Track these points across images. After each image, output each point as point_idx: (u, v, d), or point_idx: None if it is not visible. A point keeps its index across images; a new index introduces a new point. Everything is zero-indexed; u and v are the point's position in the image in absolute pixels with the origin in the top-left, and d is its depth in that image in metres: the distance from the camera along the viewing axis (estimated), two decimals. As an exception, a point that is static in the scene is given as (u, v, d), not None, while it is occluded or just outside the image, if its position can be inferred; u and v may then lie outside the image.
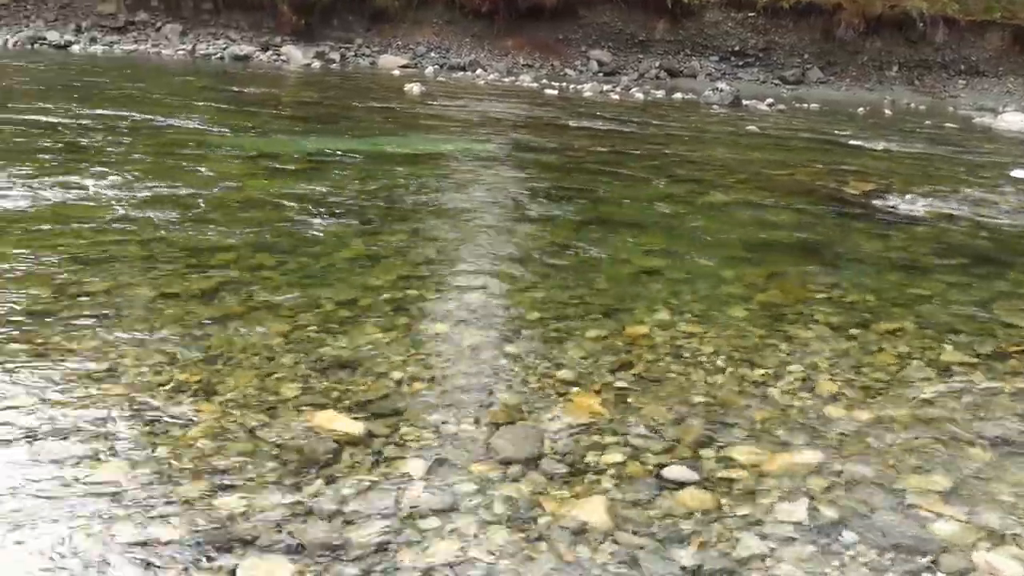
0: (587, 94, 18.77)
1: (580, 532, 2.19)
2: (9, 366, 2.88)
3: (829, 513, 2.35)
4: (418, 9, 24.49)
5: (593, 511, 2.28)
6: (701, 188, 7.54)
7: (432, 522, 2.18)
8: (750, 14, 25.03)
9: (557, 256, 4.82)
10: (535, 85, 19.89)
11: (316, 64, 20.89)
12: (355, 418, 2.70)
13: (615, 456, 2.59)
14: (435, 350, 3.34)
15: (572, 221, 5.79)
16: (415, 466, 2.45)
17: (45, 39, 20.83)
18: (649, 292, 4.25)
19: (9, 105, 9.68)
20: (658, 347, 3.50)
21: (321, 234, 4.94)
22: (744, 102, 18.27)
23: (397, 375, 3.05)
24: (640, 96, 18.88)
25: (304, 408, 2.75)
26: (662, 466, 2.54)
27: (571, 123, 12.49)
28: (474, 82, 19.96)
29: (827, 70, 24.99)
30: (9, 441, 2.41)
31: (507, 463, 2.50)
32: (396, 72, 20.44)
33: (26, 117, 8.79)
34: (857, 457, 2.67)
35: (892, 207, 7.09)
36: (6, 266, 3.90)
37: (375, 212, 5.60)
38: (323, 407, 2.76)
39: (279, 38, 22.84)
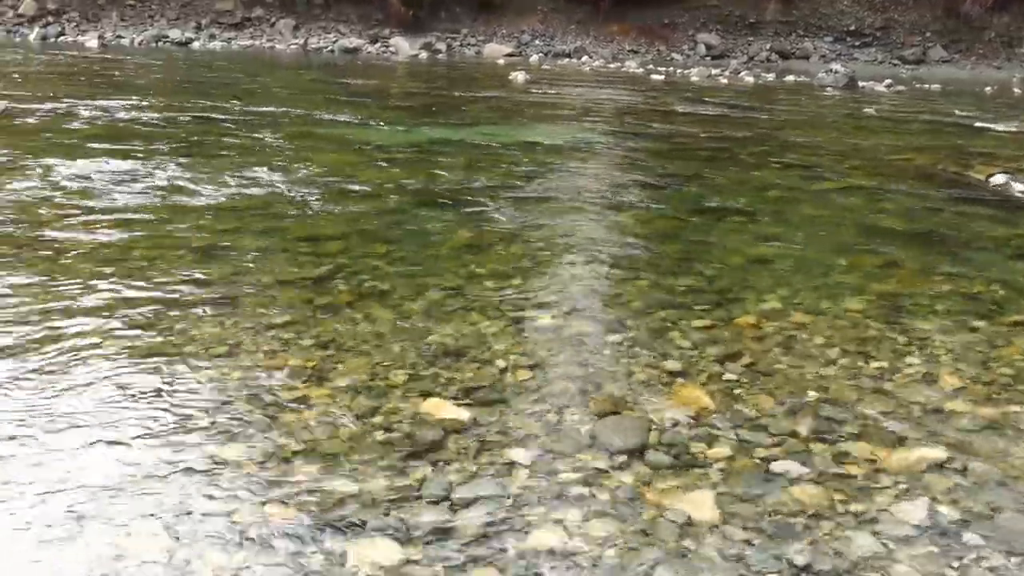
0: (694, 79, 18.44)
1: (686, 525, 2.16)
2: (136, 350, 3.03)
3: (950, 513, 2.25)
4: (523, -2, 24.53)
5: (700, 504, 2.24)
6: (814, 174, 7.31)
7: (536, 510, 2.19)
8: (867, -8, 24.10)
9: (663, 244, 4.76)
10: (640, 71, 19.66)
11: (423, 55, 21.17)
12: (461, 405, 2.73)
13: (723, 449, 2.54)
14: (540, 339, 3.34)
15: (679, 208, 5.70)
16: (519, 454, 2.46)
17: (168, 37, 21.78)
18: (759, 281, 4.15)
19: (131, 100, 10.17)
20: (768, 338, 3.42)
21: (428, 223, 5.01)
22: (860, 84, 17.61)
23: (502, 363, 3.07)
24: (750, 80, 18.42)
25: (412, 395, 2.80)
26: (772, 460, 2.48)
27: (678, 109, 12.30)
28: (579, 69, 19.86)
29: (950, 48, 23.82)
30: (129, 423, 2.54)
31: (611, 453, 2.49)
32: (501, 61, 20.53)
33: (146, 112, 9.22)
34: (981, 456, 2.55)
35: (1022, 192, 6.71)
36: (132, 255, 4.10)
37: (481, 201, 5.64)
38: (430, 394, 2.81)
39: (387, 30, 23.27)
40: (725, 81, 17.89)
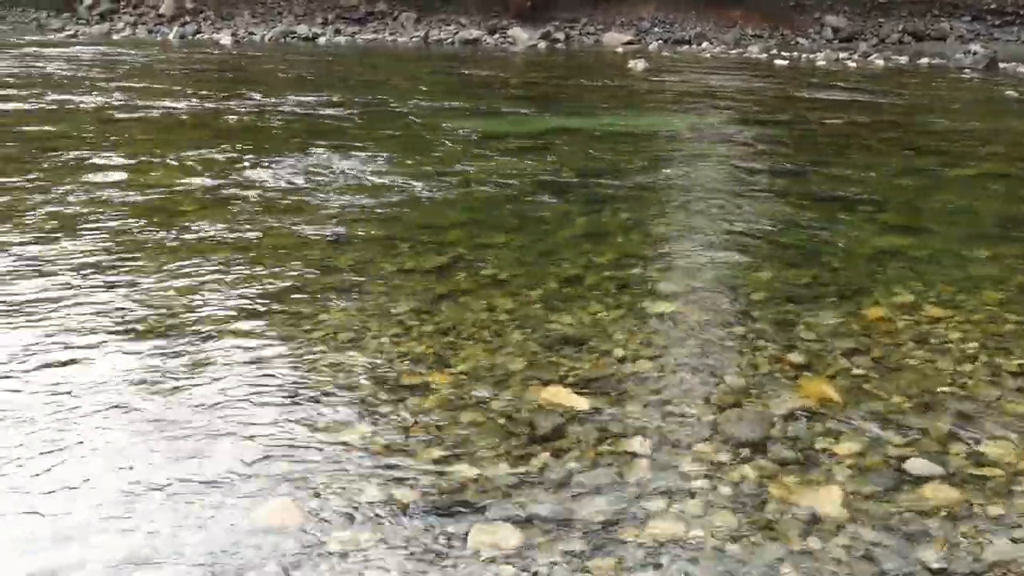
0: (820, 63, 17.82)
1: (812, 522, 2.11)
2: (266, 335, 3.17)
3: (1101, 521, 2.11)
4: (643, -16, 24.24)
5: (826, 501, 2.18)
6: (949, 160, 6.96)
7: (656, 500, 2.18)
8: (1011, -33, 22.74)
9: (787, 234, 4.63)
10: (763, 56, 19.14)
11: (541, 44, 21.20)
12: (580, 394, 2.74)
13: (851, 445, 2.46)
14: (659, 329, 3.31)
15: (804, 197, 5.53)
16: (639, 444, 2.45)
17: (295, 33, 22.54)
18: (889, 273, 3.99)
19: (261, 95, 10.57)
20: (899, 332, 3.28)
21: (546, 212, 5.03)
22: (1001, 65, 16.62)
23: (621, 353, 3.06)
24: (880, 63, 17.67)
25: (531, 382, 2.83)
26: (904, 459, 2.39)
27: (802, 94, 11.92)
28: (699, 56, 19.49)
29: (1104, 25, 22.21)
30: (264, 404, 2.65)
31: (734, 446, 2.45)
32: (620, 49, 20.35)
33: (277, 104, 9.57)
34: None
35: None
36: (268, 243, 4.28)
37: (599, 190, 5.62)
38: (549, 382, 2.82)
39: (506, 21, 23.40)
40: (854, 65, 17.21)
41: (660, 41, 22.22)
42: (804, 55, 19.25)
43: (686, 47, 21.55)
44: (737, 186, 5.94)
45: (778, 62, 17.71)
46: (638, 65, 15.52)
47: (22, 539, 1.98)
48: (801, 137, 8.27)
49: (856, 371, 2.94)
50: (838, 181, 6.08)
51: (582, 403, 2.68)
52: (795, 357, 3.04)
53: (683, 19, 24.41)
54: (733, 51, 20.41)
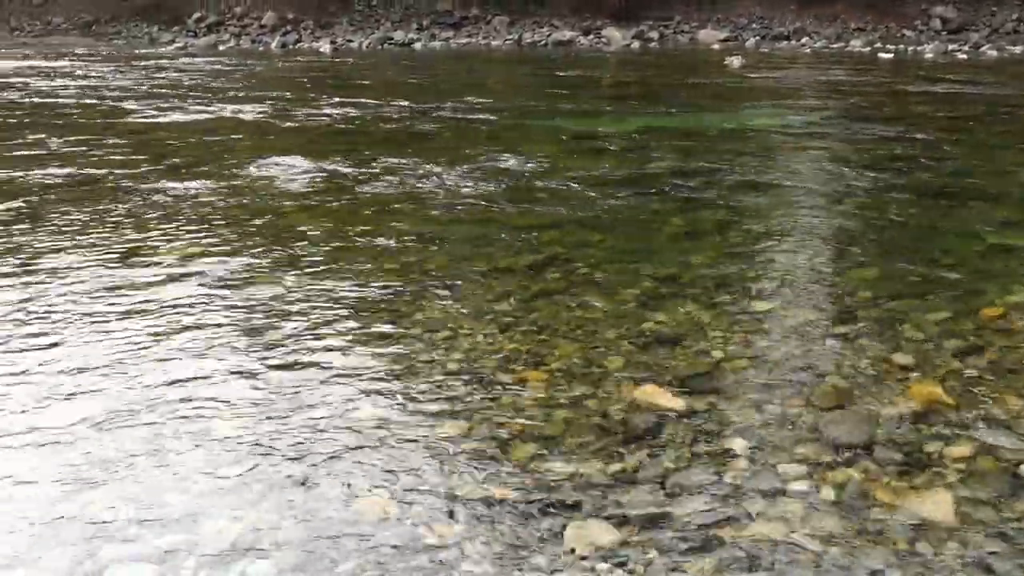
0: (928, 56, 17.15)
1: (920, 527, 2.02)
2: (365, 332, 3.23)
3: None
4: (739, -20, 23.81)
5: (936, 506, 2.09)
6: (1070, 154, 6.60)
7: (756, 501, 2.13)
8: None
9: (893, 230, 4.47)
10: (867, 50, 18.53)
11: (635, 44, 21.04)
12: (676, 393, 2.70)
13: (962, 449, 2.35)
14: (758, 328, 3.24)
15: (912, 192, 5.33)
16: (738, 444, 2.40)
17: (392, 39, 22.96)
18: (1006, 270, 3.80)
19: (360, 100, 10.79)
20: (1017, 332, 3.12)
21: (642, 210, 4.98)
22: None
23: (718, 353, 3.01)
24: (993, 54, 16.90)
25: (626, 381, 2.80)
26: (1019, 463, 2.27)
27: (908, 88, 11.50)
28: (798, 51, 19.01)
29: None
30: (363, 398, 2.70)
31: (837, 448, 2.37)
32: (716, 46, 20.03)
33: (375, 109, 9.76)
34: None
35: None
36: (358, 242, 4.37)
37: (696, 188, 5.54)
38: (644, 381, 2.79)
39: (599, 21, 23.30)
40: (964, 57, 16.50)
41: (757, 38, 21.75)
42: (910, 48, 18.57)
43: (784, 43, 21.04)
44: (839, 182, 5.76)
45: (882, 56, 17.13)
46: (734, 62, 15.24)
47: (145, 521, 2.07)
48: (907, 132, 7.97)
49: (969, 372, 2.81)
50: (948, 176, 5.84)
51: (678, 402, 2.64)
52: (902, 358, 2.93)
53: (781, 14, 23.85)
54: (834, 46, 19.83)
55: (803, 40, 21.18)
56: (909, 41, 20.05)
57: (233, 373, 2.88)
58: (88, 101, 10.70)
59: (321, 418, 2.57)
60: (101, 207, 5.12)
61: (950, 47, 18.26)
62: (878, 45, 19.27)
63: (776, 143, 7.51)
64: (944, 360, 2.90)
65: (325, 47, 21.85)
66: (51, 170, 6.28)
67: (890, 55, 17.13)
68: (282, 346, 3.09)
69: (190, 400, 2.68)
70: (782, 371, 2.87)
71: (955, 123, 8.39)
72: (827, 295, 3.59)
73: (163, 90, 12.10)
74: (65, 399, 2.70)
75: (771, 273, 3.88)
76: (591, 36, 22.26)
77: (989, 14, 22.43)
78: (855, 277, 3.77)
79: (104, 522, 2.07)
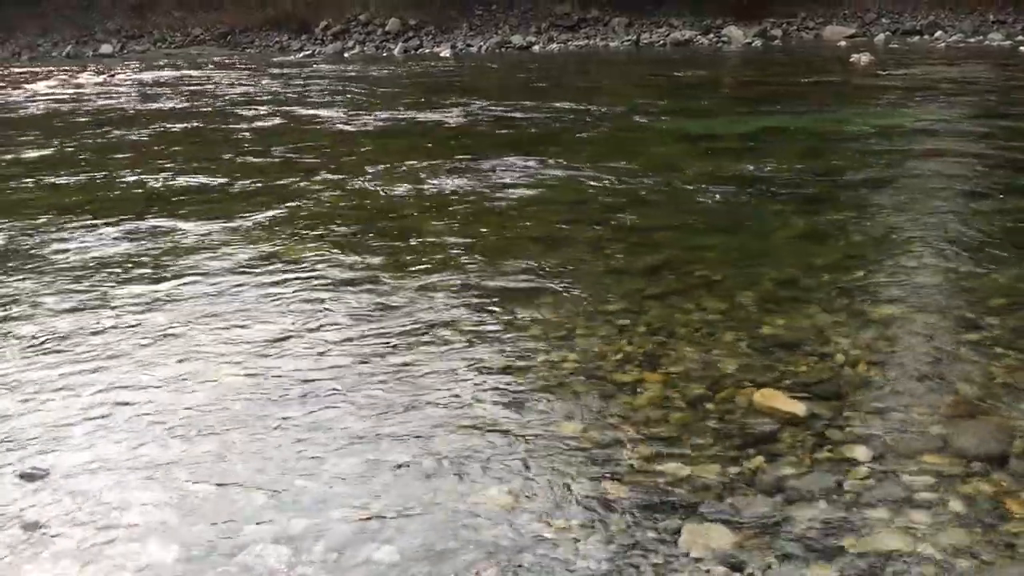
0: (1076, 48, 16.12)
1: (1057, 543, 1.94)
2: (482, 332, 3.31)
3: None
4: (868, -27, 22.96)
5: (1075, 522, 2.00)
6: None
7: (879, 510, 2.09)
8: None
9: (1032, 235, 4.25)
10: (1007, 44, 17.57)
11: (757, 42, 20.58)
12: (796, 398, 2.66)
13: (1106, 464, 2.24)
14: (883, 333, 3.15)
15: (1053, 195, 5.05)
16: (860, 452, 2.35)
17: (511, 43, 23.17)
18: None
19: (481, 102, 10.95)
20: None
21: (761, 212, 4.90)
22: None
23: (840, 357, 2.94)
24: None
25: (744, 384, 2.78)
26: None
27: (1053, 83, 10.85)
28: (932, 47, 18.19)
29: None
30: (481, 397, 2.77)
31: (966, 458, 2.29)
32: (842, 43, 19.37)
33: (497, 111, 9.90)
34: None
35: None
36: (478, 243, 4.46)
37: (817, 189, 5.40)
38: (763, 385, 2.76)
39: (720, 20, 22.89)
40: (1116, 48, 15.44)
41: (887, 32, 20.90)
42: (1056, 40, 17.49)
43: (916, 38, 20.17)
44: (972, 184, 5.51)
45: (1024, 49, 16.21)
46: (862, 59, 14.72)
47: (274, 506, 2.20)
48: (1050, 130, 7.53)
49: (1113, 384, 2.67)
50: (1095, 177, 5.50)
51: (799, 407, 2.60)
52: (1040, 367, 2.80)
53: (913, 7, 22.87)
54: (971, 39, 18.88)
55: (937, 34, 20.24)
56: (1055, 33, 18.88)
57: (357, 367, 3.00)
58: (221, 108, 11.26)
59: (442, 414, 2.66)
60: (230, 205, 5.40)
61: (1101, 38, 17.12)
62: (1020, 38, 18.22)
63: (905, 143, 7.23)
64: (1086, 370, 2.76)
65: (446, 51, 22.27)
66: (172, 177, 6.65)
67: (1033, 48, 16.19)
68: (404, 342, 3.20)
69: (317, 395, 2.81)
70: (908, 378, 2.79)
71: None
72: (958, 300, 3.46)
73: (291, 95, 12.60)
74: (207, 383, 2.88)
75: (897, 276, 3.76)
76: (711, 35, 21.90)
77: None
78: (988, 282, 3.61)
79: (242, 504, 2.20)
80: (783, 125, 8.26)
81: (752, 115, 9.23)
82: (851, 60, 14.82)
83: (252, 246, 4.54)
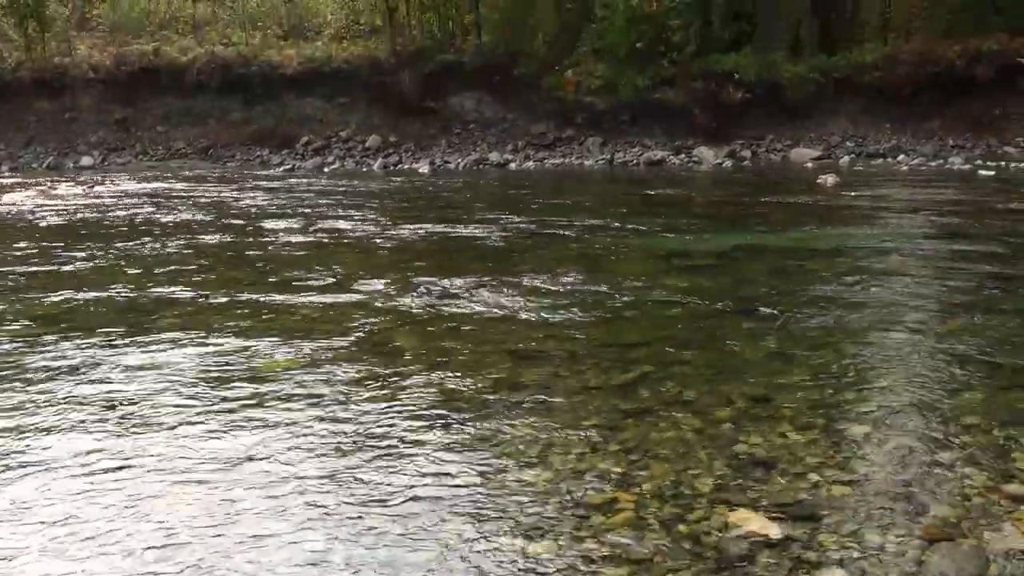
0: (1032, 172, 16.74)
1: (1039, 674, 1.90)
2: (453, 447, 3.27)
3: None
4: (832, 99, 23.90)
5: (1055, 651, 1.96)
6: None
7: (857, 639, 2.04)
8: None
9: (1000, 354, 4.31)
10: (967, 167, 18.22)
11: (727, 163, 21.21)
12: (771, 519, 2.63)
13: (1083, 589, 2.21)
14: (856, 453, 3.15)
15: (1016, 314, 5.15)
16: (837, 575, 2.31)
17: (488, 160, 23.72)
18: (1123, 397, 3.61)
19: (456, 218, 11.12)
20: None
21: (734, 330, 4.95)
22: None
23: (815, 477, 2.93)
24: (1102, 170, 16.39)
25: (719, 505, 2.75)
26: None
27: (1012, 206, 11.21)
28: (895, 169, 18.82)
29: None
30: (451, 514, 2.72)
31: (944, 583, 2.26)
32: (809, 164, 20.01)
33: (470, 226, 10.04)
34: None
35: None
36: (453, 358, 4.45)
37: (789, 307, 5.47)
38: (738, 505, 2.73)
39: (691, 141, 23.62)
40: (1070, 173, 16.04)
41: (852, 155, 21.63)
42: (1013, 164, 18.16)
43: (880, 160, 20.87)
44: (940, 302, 5.62)
45: (983, 173, 16.80)
46: (828, 180, 15.18)
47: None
48: (1012, 250, 7.74)
49: (1087, 505, 2.66)
50: (1057, 297, 5.63)
51: (774, 528, 2.57)
52: (1014, 488, 2.80)
53: (876, 132, 23.75)
54: (933, 163, 19.56)
55: (900, 157, 20.96)
56: (1012, 158, 19.60)
57: (325, 479, 2.94)
58: (197, 220, 11.35)
59: (410, 530, 2.60)
60: (207, 319, 5.37)
61: (1055, 163, 17.78)
62: (978, 162, 18.91)
63: (872, 262, 7.39)
64: (1059, 492, 2.76)
65: (424, 168, 22.72)
66: (145, 289, 6.64)
67: (991, 172, 16.78)
68: (374, 457, 3.14)
69: (282, 511, 2.74)
70: (883, 499, 2.77)
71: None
72: (930, 419, 3.47)
73: (269, 208, 12.74)
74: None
75: (870, 395, 3.78)
76: (682, 155, 22.55)
77: (1096, 130, 21.85)
78: (960, 401, 3.64)
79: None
80: (754, 243, 8.44)
81: (724, 233, 9.43)
82: (818, 181, 15.27)
83: (222, 359, 4.50)
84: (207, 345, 4.78)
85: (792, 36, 24.84)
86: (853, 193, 13.52)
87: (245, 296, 6.16)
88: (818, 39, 25.10)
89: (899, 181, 15.67)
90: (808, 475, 2.95)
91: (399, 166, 23.92)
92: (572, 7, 25.84)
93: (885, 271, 6.91)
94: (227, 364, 4.41)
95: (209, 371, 4.29)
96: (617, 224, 10.19)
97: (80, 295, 6.29)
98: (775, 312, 5.20)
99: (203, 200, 14.17)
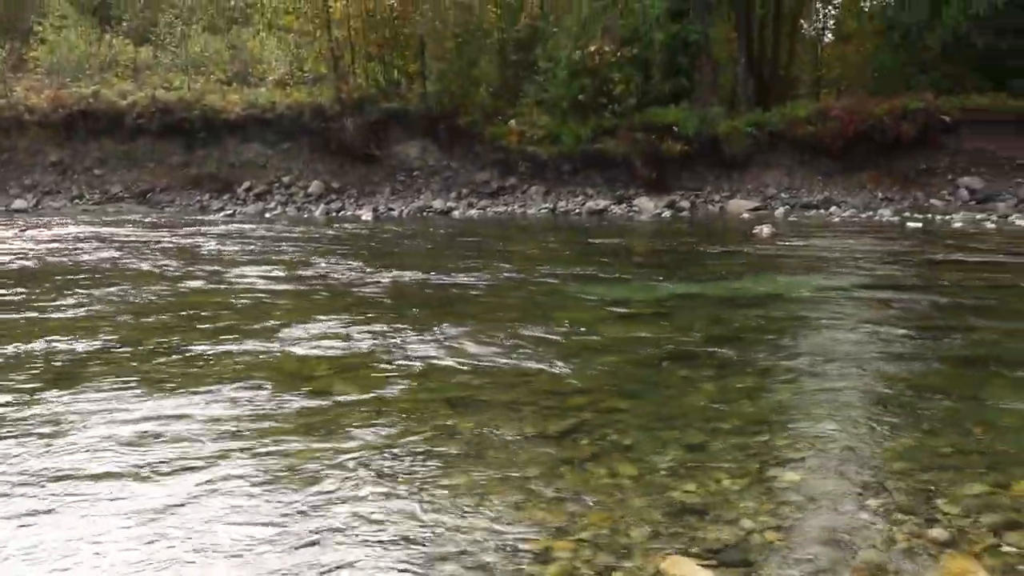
0: (957, 225, 17.38)
1: None
2: (388, 496, 3.23)
3: None
4: (768, 152, 24.59)
5: None
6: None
7: None
8: None
9: (926, 401, 4.44)
10: (895, 219, 18.84)
11: (667, 213, 21.60)
12: (705, 565, 2.65)
13: (1003, 631, 2.27)
14: (788, 499, 3.20)
15: (943, 361, 5.32)
16: (768, 622, 2.33)
17: (431, 207, 23.79)
18: (1041, 443, 3.74)
19: (396, 267, 11.11)
20: (1055, 507, 3.05)
21: (670, 377, 5.01)
22: None
23: (748, 524, 2.96)
24: (1022, 224, 17.09)
25: (653, 552, 2.76)
26: (1066, 648, 2.18)
27: (937, 257, 11.61)
28: (827, 220, 19.37)
29: None
30: (386, 565, 2.68)
31: (871, 628, 2.29)
32: (745, 215, 20.49)
33: (411, 275, 10.04)
34: None
35: None
36: (391, 407, 4.42)
37: (725, 355, 5.57)
38: (673, 552, 2.75)
39: (632, 191, 24.03)
40: (992, 226, 16.69)
41: (787, 206, 22.23)
42: (938, 217, 18.84)
43: (813, 211, 21.48)
44: (869, 350, 5.77)
45: (911, 224, 17.38)
46: (764, 230, 15.55)
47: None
48: (939, 300, 8.00)
49: (1007, 548, 2.74)
50: (983, 344, 5.83)
51: (707, 575, 2.59)
52: (937, 532, 2.86)
53: (810, 184, 24.45)
54: (863, 215, 20.18)
55: (832, 209, 21.60)
56: (937, 210, 20.35)
57: (259, 532, 2.88)
58: (128, 265, 11.14)
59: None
60: (141, 370, 5.26)
61: (978, 216, 18.50)
62: (907, 214, 19.58)
63: (806, 310, 7.57)
64: (980, 535, 2.83)
65: (367, 215, 22.67)
66: (74, 337, 6.49)
67: (919, 224, 17.37)
68: (308, 508, 3.09)
69: (211, 563, 2.68)
70: (813, 544, 2.82)
71: (986, 292, 8.42)
72: (860, 466, 3.55)
73: (205, 254, 12.57)
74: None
75: (802, 442, 3.85)
76: (623, 205, 22.91)
77: (1015, 185, 22.82)
78: (887, 447, 3.73)
79: None
80: (691, 292, 8.58)
81: (662, 282, 9.57)
82: (754, 231, 15.63)
83: (155, 409, 4.40)
84: (136, 395, 4.67)
85: (729, 92, 25.61)
86: (788, 243, 13.87)
87: (179, 343, 6.05)
88: (754, 94, 25.93)
89: (831, 232, 16.12)
90: (741, 521, 2.98)
91: (342, 212, 23.84)
92: (516, 59, 26.28)
93: (818, 319, 7.08)
94: (156, 415, 4.31)
95: (135, 421, 4.19)
96: (559, 272, 10.28)
97: (16, 343, 6.11)
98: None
99: (133, 246, 13.93)
